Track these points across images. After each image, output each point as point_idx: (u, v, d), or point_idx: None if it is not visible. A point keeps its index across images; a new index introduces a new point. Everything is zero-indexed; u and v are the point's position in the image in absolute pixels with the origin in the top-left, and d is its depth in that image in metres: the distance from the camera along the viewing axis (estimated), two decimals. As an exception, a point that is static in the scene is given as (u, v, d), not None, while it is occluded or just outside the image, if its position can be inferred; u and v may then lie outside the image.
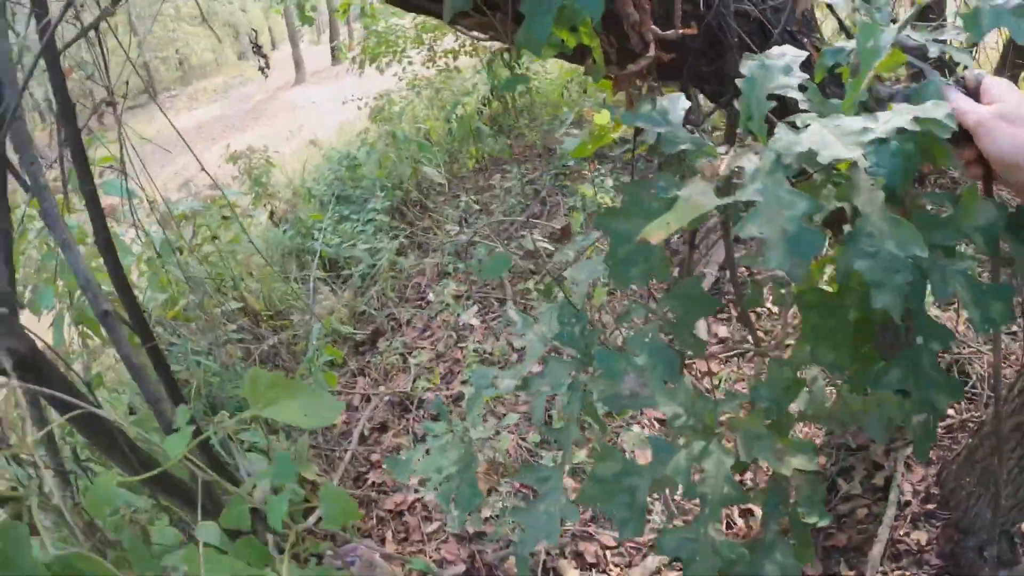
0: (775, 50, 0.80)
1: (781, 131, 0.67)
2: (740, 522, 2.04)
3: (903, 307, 0.60)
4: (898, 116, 0.65)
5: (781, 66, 0.79)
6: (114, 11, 1.42)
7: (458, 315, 3.46)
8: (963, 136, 0.67)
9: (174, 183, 6.40)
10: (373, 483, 2.63)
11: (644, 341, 0.86)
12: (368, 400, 3.09)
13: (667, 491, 1.83)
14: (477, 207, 4.55)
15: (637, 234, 0.73)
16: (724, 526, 2.01)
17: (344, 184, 4.89)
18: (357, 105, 6.19)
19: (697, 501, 0.76)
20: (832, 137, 0.65)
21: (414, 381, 3.11)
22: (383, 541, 2.33)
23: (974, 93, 0.70)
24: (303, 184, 5.11)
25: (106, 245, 1.45)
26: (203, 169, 2.09)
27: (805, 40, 1.21)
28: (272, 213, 4.82)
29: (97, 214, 1.44)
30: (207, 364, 2.87)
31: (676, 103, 0.80)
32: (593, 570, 1.99)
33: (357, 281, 4.00)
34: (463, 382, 3.03)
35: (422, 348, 3.38)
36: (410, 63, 5.88)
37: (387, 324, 3.65)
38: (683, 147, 0.77)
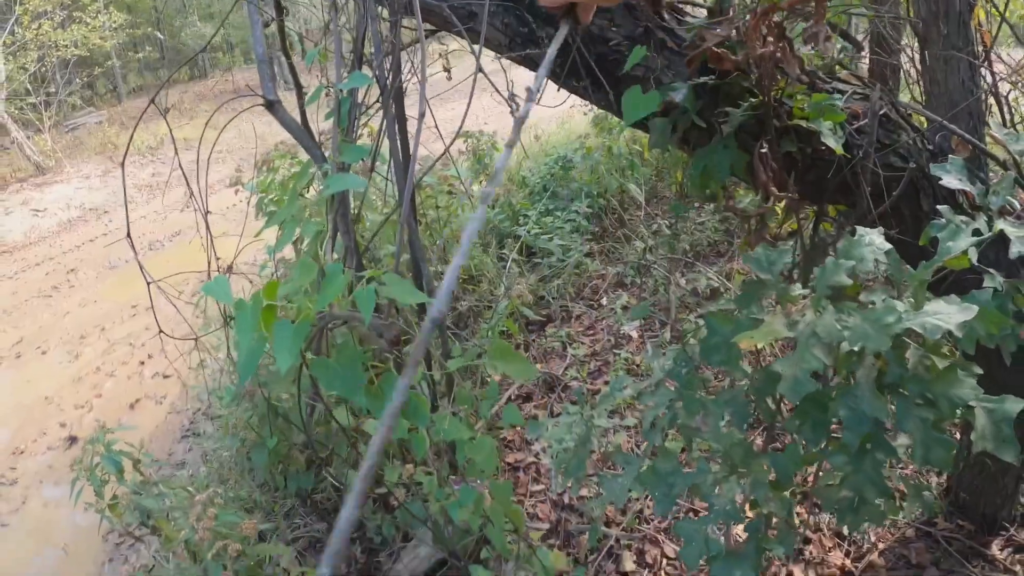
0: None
1: (829, 314, 1.03)
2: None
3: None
4: (924, 316, 0.97)
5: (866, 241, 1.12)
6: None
7: (621, 324, 3.88)
8: None
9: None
10: (503, 438, 3.18)
11: (732, 394, 1.24)
12: (523, 371, 3.65)
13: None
14: (668, 232, 4.89)
15: (729, 333, 1.13)
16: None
17: (556, 181, 5.45)
18: (583, 111, 6.71)
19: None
20: (870, 331, 0.98)
21: (566, 368, 3.60)
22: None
23: None
24: (519, 172, 5.75)
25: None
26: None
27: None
28: (486, 191, 5.49)
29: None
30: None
31: (781, 256, 1.16)
32: (647, 570, 2.35)
33: (545, 270, 4.56)
34: (606, 382, 3.46)
35: (582, 343, 3.86)
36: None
37: (559, 313, 4.17)
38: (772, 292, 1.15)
